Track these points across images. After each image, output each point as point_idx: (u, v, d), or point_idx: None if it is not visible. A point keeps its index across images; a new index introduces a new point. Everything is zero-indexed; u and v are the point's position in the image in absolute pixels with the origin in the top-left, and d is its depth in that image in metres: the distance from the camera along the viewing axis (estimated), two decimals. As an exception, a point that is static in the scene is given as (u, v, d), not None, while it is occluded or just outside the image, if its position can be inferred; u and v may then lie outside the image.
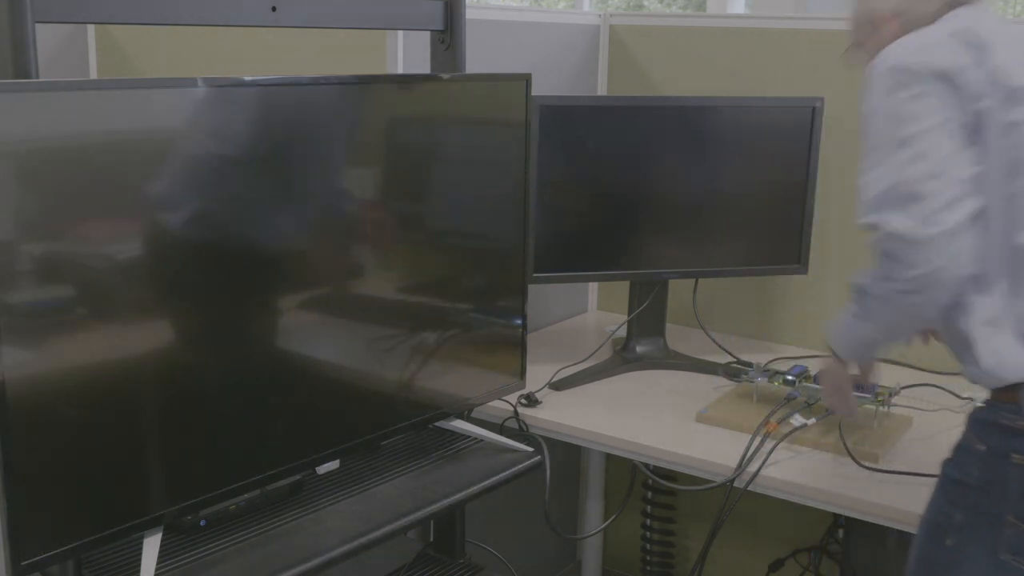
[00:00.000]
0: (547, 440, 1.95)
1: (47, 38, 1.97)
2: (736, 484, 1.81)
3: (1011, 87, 1.38)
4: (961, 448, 1.45)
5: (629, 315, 2.35)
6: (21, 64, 1.24)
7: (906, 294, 1.39)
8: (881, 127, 1.42)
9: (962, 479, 1.42)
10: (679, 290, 2.43)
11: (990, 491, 1.38)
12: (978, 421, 1.43)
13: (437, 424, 1.89)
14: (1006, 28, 1.48)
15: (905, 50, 1.44)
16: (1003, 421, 1.38)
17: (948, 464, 1.47)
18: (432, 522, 2.01)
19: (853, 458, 1.78)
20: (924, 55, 1.41)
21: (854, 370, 1.68)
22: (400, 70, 2.05)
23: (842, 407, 1.73)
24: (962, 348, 1.43)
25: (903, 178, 1.37)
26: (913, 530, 1.65)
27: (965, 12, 1.52)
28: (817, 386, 2.01)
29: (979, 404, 1.45)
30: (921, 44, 1.44)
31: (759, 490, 1.81)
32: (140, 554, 1.41)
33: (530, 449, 1.87)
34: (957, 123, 1.38)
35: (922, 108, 1.38)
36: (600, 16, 2.67)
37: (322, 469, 1.71)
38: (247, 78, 1.47)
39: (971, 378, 1.44)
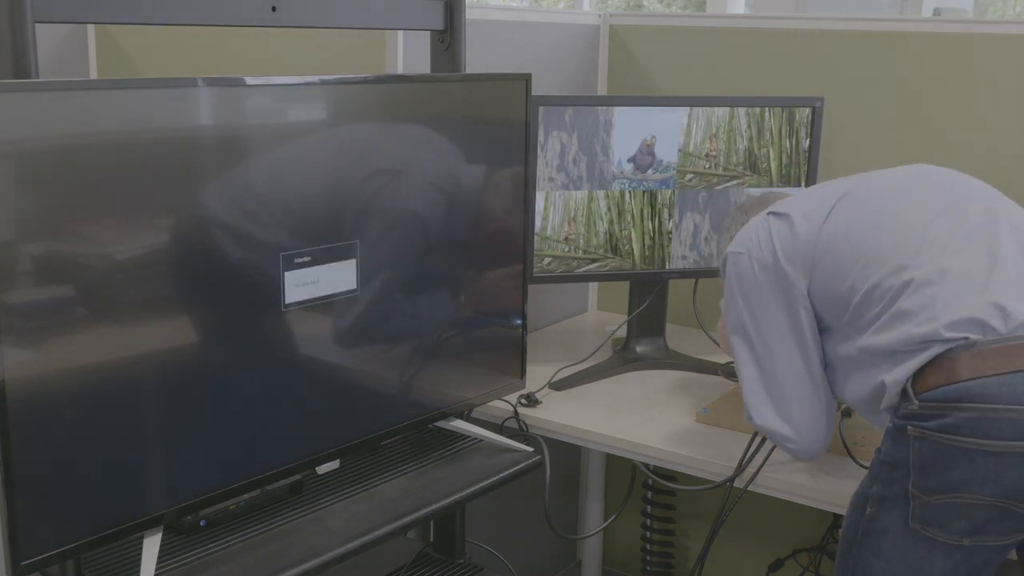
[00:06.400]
0: (547, 440, 1.95)
1: (47, 38, 1.98)
2: (736, 484, 1.81)
3: (814, 233, 1.65)
4: (885, 430, 1.57)
5: (629, 315, 2.35)
6: (21, 64, 1.24)
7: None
8: (737, 318, 1.73)
9: (880, 456, 1.54)
10: (679, 290, 2.43)
11: (898, 465, 1.49)
12: (896, 410, 1.54)
13: (437, 424, 1.89)
14: (804, 192, 1.85)
15: (739, 242, 1.74)
16: (902, 409, 1.49)
17: (877, 448, 1.58)
18: (432, 522, 2.01)
19: (853, 458, 1.78)
20: (751, 245, 1.70)
21: None
22: (400, 70, 2.05)
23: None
24: (875, 396, 1.57)
25: (767, 388, 1.70)
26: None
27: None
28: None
29: None
30: (747, 235, 1.73)
31: (759, 490, 1.81)
32: (140, 554, 1.41)
33: (530, 449, 1.87)
34: (792, 299, 1.66)
35: (762, 304, 1.69)
36: (600, 16, 2.67)
37: (322, 469, 1.71)
38: (247, 78, 1.47)
39: (886, 405, 1.54)
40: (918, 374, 1.48)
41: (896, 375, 1.50)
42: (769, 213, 1.72)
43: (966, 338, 1.45)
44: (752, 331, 1.70)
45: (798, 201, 1.75)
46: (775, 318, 1.68)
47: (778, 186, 2.31)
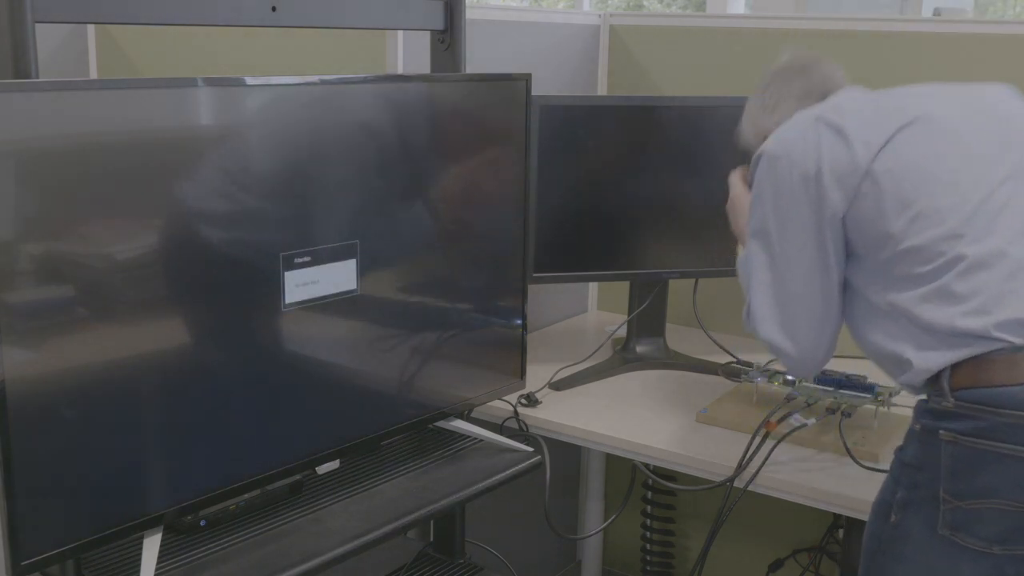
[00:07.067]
0: (547, 440, 1.95)
1: (47, 38, 1.97)
2: (736, 484, 1.81)
3: (867, 159, 1.52)
4: (907, 432, 1.52)
5: (629, 315, 2.35)
6: (21, 64, 1.24)
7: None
8: (760, 222, 1.62)
9: (904, 459, 1.50)
10: (679, 290, 2.43)
11: (925, 469, 1.45)
12: (917, 407, 1.51)
13: (437, 424, 1.89)
14: (860, 101, 1.66)
15: (776, 145, 1.60)
16: (932, 404, 1.45)
17: (898, 448, 1.53)
18: (432, 522, 2.01)
19: (853, 458, 1.78)
20: (793, 151, 1.57)
21: None
22: (400, 70, 2.05)
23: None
24: (896, 362, 1.52)
25: (777, 299, 1.62)
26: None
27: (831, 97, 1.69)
28: (817, 385, 2.01)
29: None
30: (789, 139, 1.59)
31: (759, 490, 1.81)
32: (140, 554, 1.41)
33: (530, 449, 1.87)
34: (823, 218, 1.54)
35: (791, 215, 1.57)
36: (600, 16, 2.67)
37: (322, 469, 1.71)
38: (247, 78, 1.47)
39: (905, 382, 1.52)
40: (952, 367, 1.43)
41: (929, 362, 1.44)
42: (820, 120, 1.57)
43: (1011, 343, 1.39)
44: (775, 239, 1.60)
45: (853, 114, 1.58)
46: (803, 233, 1.57)
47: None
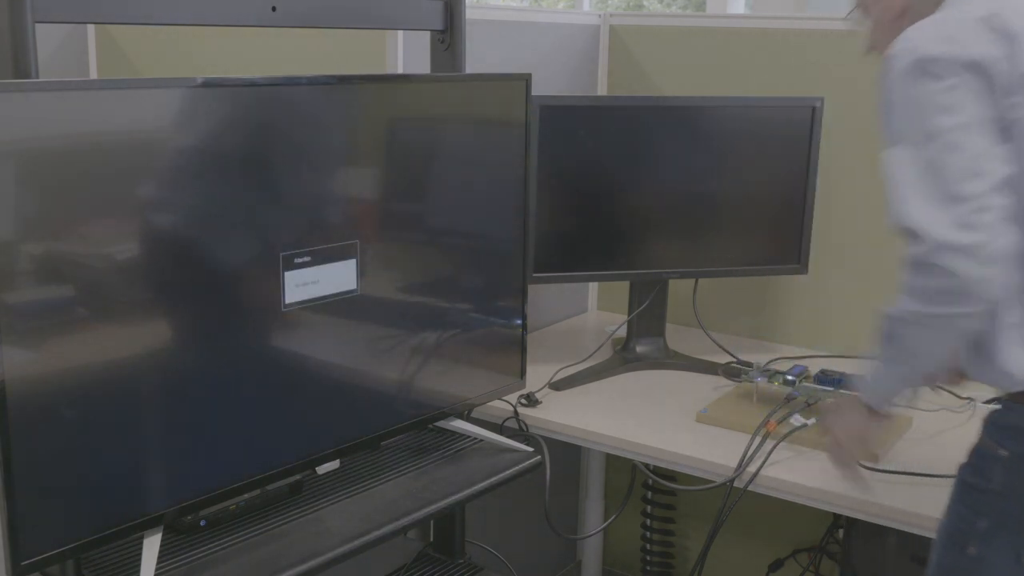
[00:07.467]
0: (547, 440, 1.95)
1: (47, 38, 1.98)
2: (736, 484, 1.81)
3: None
4: (980, 453, 1.41)
5: (629, 315, 2.35)
6: (21, 64, 1.24)
7: (945, 307, 1.30)
8: (910, 121, 1.33)
9: (984, 485, 1.39)
10: (679, 290, 2.43)
11: (1014, 496, 1.35)
12: (997, 425, 1.40)
13: (437, 424, 1.89)
14: None
15: (930, 38, 1.34)
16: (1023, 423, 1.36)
17: (966, 469, 1.42)
18: (432, 522, 2.01)
19: (853, 458, 1.78)
20: (953, 44, 1.32)
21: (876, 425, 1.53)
22: (400, 70, 2.05)
23: (846, 460, 1.57)
24: (978, 351, 1.37)
25: (940, 176, 1.29)
26: (913, 530, 1.65)
27: None
28: (817, 385, 2.01)
29: (995, 407, 1.41)
30: (948, 33, 1.34)
31: (759, 490, 1.81)
32: (140, 554, 1.41)
33: (530, 449, 1.87)
34: (989, 118, 1.30)
35: (955, 101, 1.30)
36: (600, 16, 2.67)
37: (322, 469, 1.71)
38: (247, 78, 1.47)
39: (987, 380, 1.39)
40: None
41: None
42: (985, 22, 1.32)
43: None
44: (929, 133, 1.31)
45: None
46: (965, 119, 1.30)
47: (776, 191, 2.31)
